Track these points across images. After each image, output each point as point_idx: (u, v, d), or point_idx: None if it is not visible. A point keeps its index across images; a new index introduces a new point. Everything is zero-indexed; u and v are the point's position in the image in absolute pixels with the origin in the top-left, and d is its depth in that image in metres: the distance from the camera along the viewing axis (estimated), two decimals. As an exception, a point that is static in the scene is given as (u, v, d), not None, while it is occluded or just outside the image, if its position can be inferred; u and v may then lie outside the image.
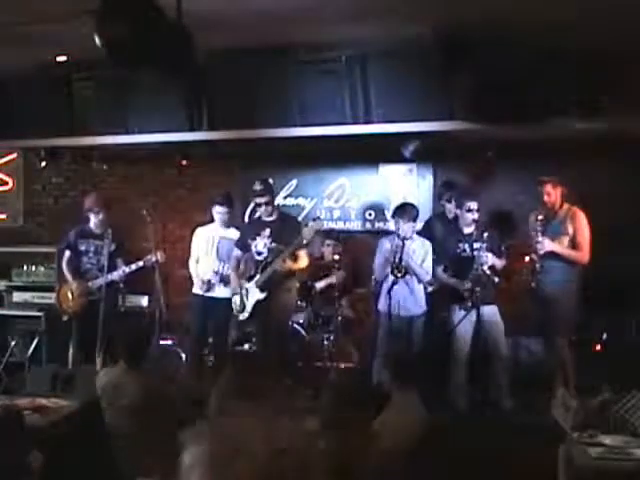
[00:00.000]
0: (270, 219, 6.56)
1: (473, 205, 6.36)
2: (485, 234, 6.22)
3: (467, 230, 6.44)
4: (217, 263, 6.97)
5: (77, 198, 8.46)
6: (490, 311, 6.29)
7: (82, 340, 7.02)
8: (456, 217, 6.78)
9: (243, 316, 6.60)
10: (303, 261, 6.50)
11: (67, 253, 7.17)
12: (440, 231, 6.86)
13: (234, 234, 6.94)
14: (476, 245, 6.24)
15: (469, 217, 6.38)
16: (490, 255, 6.25)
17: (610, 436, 4.17)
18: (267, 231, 6.53)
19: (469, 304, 6.19)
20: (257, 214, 6.79)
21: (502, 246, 6.48)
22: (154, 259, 6.92)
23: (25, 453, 3.64)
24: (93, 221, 7.12)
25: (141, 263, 6.96)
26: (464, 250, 6.39)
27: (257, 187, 6.49)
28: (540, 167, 6.69)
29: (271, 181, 6.92)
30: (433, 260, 6.49)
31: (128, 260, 7.14)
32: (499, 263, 6.40)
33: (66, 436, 4.37)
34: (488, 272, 6.20)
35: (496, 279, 6.32)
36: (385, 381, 4.85)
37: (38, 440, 3.92)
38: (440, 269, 6.50)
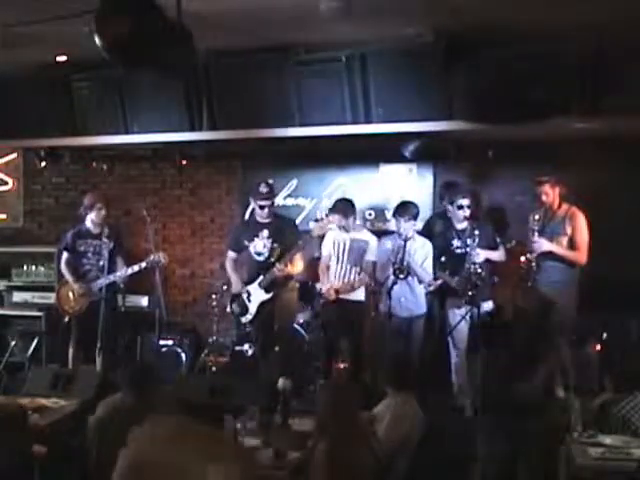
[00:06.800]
0: (267, 220, 6.58)
1: (464, 202, 6.40)
2: (476, 231, 6.23)
3: (460, 226, 6.47)
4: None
5: (77, 198, 8.46)
6: (484, 308, 6.30)
7: (82, 341, 7.01)
8: (454, 215, 6.76)
9: (246, 318, 6.60)
10: (299, 264, 6.53)
11: (65, 254, 7.14)
12: (440, 229, 6.88)
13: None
14: (469, 241, 6.25)
15: (460, 214, 6.41)
16: (482, 251, 6.26)
17: (610, 436, 4.18)
18: (265, 232, 6.54)
19: (463, 302, 6.20)
20: (254, 215, 6.79)
21: (497, 238, 6.51)
22: (156, 260, 6.88)
23: (28, 447, 3.67)
24: (91, 219, 7.07)
25: (144, 264, 6.90)
26: (457, 247, 6.41)
27: (263, 190, 6.51)
28: (538, 167, 6.71)
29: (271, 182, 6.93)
30: (433, 259, 6.49)
31: (128, 260, 7.12)
32: (496, 256, 6.42)
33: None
34: (479, 270, 6.19)
35: (495, 278, 6.33)
36: (383, 381, 4.85)
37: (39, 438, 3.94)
38: (437, 266, 6.52)
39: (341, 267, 6.62)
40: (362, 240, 6.57)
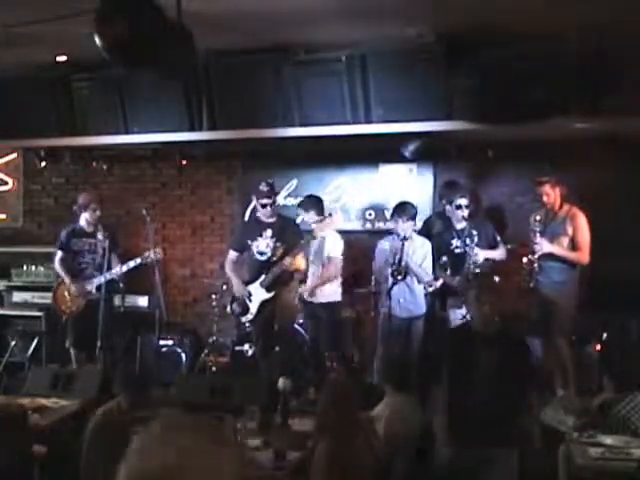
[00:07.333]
0: (271, 220, 6.57)
1: (462, 201, 6.40)
2: (474, 231, 6.24)
3: (459, 226, 6.48)
4: None
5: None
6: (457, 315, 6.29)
7: (79, 340, 6.98)
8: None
9: (247, 318, 6.59)
10: (303, 263, 6.55)
11: (59, 253, 7.11)
12: (439, 229, 6.88)
13: None
14: (468, 241, 6.25)
15: (459, 214, 6.42)
16: (481, 250, 6.27)
17: (610, 436, 4.17)
18: (269, 231, 6.54)
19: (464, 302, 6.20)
20: (256, 215, 6.79)
21: (497, 237, 6.51)
22: (152, 256, 6.87)
23: (28, 447, 3.66)
24: (85, 219, 7.06)
25: (139, 260, 6.89)
26: (457, 247, 6.42)
27: (263, 188, 6.51)
28: (538, 167, 6.71)
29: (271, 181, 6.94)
30: (433, 259, 6.49)
31: (125, 258, 7.09)
32: (496, 254, 6.42)
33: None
34: (477, 270, 6.20)
35: (496, 278, 6.33)
36: (383, 381, 4.84)
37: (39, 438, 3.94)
38: (437, 267, 6.52)
39: (311, 267, 6.65)
40: (322, 237, 6.57)
